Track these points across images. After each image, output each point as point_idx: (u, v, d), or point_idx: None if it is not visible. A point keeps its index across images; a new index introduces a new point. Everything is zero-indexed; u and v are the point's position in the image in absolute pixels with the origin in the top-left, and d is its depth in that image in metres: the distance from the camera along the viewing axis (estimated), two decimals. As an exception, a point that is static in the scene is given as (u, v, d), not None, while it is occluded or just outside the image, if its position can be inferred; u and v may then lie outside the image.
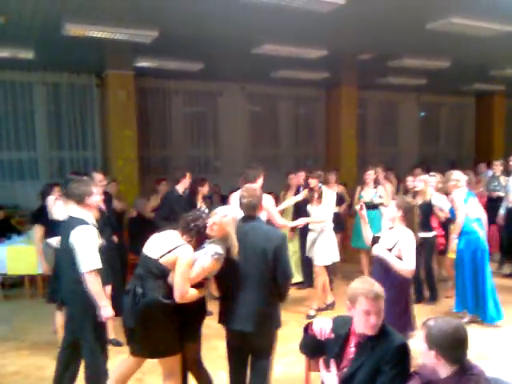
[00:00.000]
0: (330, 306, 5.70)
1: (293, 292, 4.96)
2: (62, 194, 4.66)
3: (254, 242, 3.18)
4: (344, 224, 7.30)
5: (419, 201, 5.82)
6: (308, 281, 6.47)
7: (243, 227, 3.28)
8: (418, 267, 5.98)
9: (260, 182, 4.83)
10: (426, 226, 5.82)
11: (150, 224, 6.05)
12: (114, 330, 4.60)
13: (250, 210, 3.31)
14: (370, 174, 6.77)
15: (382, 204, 6.46)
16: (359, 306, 2.40)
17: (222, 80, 9.63)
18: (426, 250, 5.95)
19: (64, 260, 3.45)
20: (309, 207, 5.64)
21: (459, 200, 5.25)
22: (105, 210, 4.86)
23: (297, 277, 6.40)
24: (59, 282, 3.99)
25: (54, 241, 4.32)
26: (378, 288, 2.44)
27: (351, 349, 2.50)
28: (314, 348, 2.71)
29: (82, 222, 3.33)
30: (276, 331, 3.32)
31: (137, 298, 3.04)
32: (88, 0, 4.87)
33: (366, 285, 2.46)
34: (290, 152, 10.82)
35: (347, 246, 7.31)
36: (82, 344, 3.40)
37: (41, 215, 5.01)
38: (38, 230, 5.01)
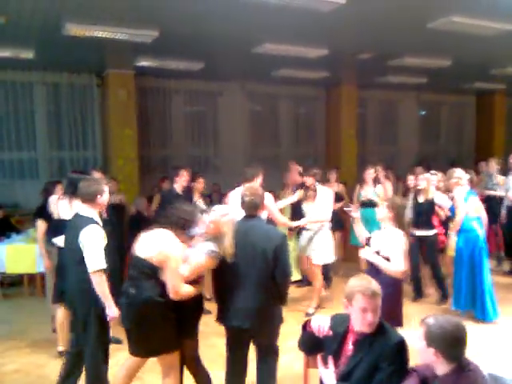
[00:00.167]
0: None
1: (291, 290, 4.96)
2: (64, 192, 4.64)
3: (254, 241, 3.19)
4: (344, 222, 7.30)
5: (421, 199, 5.84)
6: (307, 279, 6.48)
7: (244, 226, 3.29)
8: (417, 266, 6.01)
9: (259, 180, 4.83)
10: (428, 224, 5.87)
11: (150, 223, 6.05)
12: (112, 327, 4.61)
13: (252, 209, 3.32)
14: (370, 173, 6.77)
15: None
16: (356, 303, 2.41)
17: (222, 79, 9.63)
18: (429, 249, 5.97)
19: (70, 259, 3.45)
20: (304, 206, 5.64)
21: (460, 198, 5.27)
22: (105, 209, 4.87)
23: (295, 275, 6.40)
24: (64, 282, 4.01)
25: (60, 240, 4.29)
26: (374, 285, 2.46)
27: (349, 346, 2.51)
28: (312, 345, 2.72)
29: (91, 221, 3.32)
30: (278, 327, 3.33)
31: (130, 299, 3.05)
32: (88, 0, 4.89)
33: (363, 282, 2.47)
34: (290, 151, 10.81)
35: (347, 244, 7.31)
36: (84, 349, 3.40)
37: (43, 212, 5.00)
38: (41, 225, 4.99)
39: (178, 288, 3.02)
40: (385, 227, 3.79)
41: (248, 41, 6.53)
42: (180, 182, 5.81)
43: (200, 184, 6.04)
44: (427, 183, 5.85)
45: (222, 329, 4.90)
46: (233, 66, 8.50)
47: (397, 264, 3.55)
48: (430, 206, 5.84)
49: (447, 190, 6.12)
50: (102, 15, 5.34)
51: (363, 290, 2.41)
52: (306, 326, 2.75)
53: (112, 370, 3.50)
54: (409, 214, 6.01)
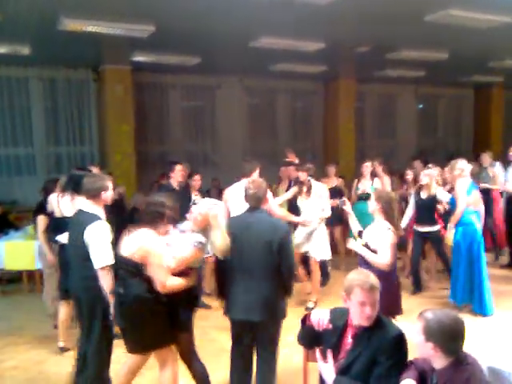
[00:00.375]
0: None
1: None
2: (63, 189, 4.61)
3: (258, 233, 3.21)
4: (343, 217, 7.30)
5: (424, 195, 5.78)
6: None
7: (247, 218, 3.32)
8: (417, 261, 6.01)
9: (255, 175, 4.82)
10: (431, 220, 5.81)
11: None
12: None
13: (255, 202, 3.34)
14: (368, 166, 6.77)
15: None
16: (354, 297, 2.42)
17: (219, 74, 9.59)
18: (436, 244, 5.95)
19: (74, 256, 3.44)
20: (298, 201, 5.62)
21: (462, 190, 5.21)
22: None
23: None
24: (69, 279, 4.00)
25: (63, 238, 4.27)
26: (373, 279, 2.46)
27: (348, 340, 2.52)
28: (311, 339, 2.72)
29: (96, 217, 3.32)
30: (281, 321, 3.35)
31: (121, 298, 3.06)
32: (83, -6, 4.85)
33: (361, 276, 2.48)
34: (288, 145, 10.77)
35: (347, 238, 7.30)
36: (87, 346, 3.41)
37: (43, 209, 4.98)
38: (41, 221, 4.97)
39: (164, 281, 3.02)
40: (376, 220, 3.79)
41: (245, 35, 6.49)
42: (175, 178, 5.80)
43: (196, 181, 6.02)
44: (430, 179, 5.77)
45: (222, 323, 4.91)
46: (230, 61, 8.46)
47: (382, 256, 3.56)
48: (433, 201, 5.79)
49: (444, 184, 6.12)
50: (98, 10, 5.30)
51: (361, 284, 2.41)
52: (305, 320, 2.75)
53: (113, 366, 3.50)
54: (410, 209, 5.98)
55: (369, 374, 2.35)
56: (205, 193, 6.79)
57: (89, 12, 5.31)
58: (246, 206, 3.44)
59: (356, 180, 7.07)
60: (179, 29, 6.10)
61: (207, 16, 5.62)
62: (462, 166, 5.32)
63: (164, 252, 3.09)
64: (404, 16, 5.85)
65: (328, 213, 5.53)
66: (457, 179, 5.28)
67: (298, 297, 5.94)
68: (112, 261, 3.21)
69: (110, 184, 3.52)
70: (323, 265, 6.27)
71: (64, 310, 4.48)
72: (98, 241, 3.22)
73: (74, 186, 4.06)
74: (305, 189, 5.55)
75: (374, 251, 3.61)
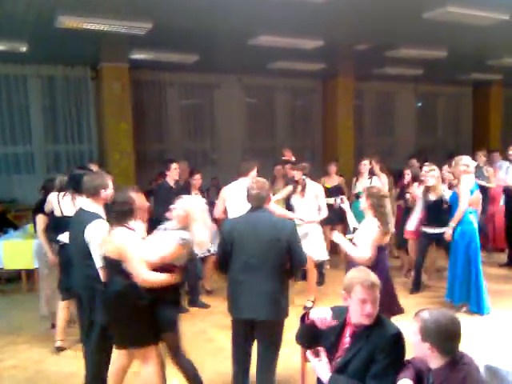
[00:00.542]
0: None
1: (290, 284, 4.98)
2: (60, 188, 4.60)
3: (264, 233, 3.21)
4: (343, 215, 7.30)
5: (432, 197, 5.68)
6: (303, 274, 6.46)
7: (252, 218, 3.32)
8: (421, 261, 5.98)
9: (253, 174, 4.81)
10: (442, 221, 5.58)
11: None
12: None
13: (258, 202, 3.34)
14: (366, 165, 6.76)
15: None
16: (355, 294, 2.41)
17: (218, 72, 9.57)
18: (445, 246, 5.71)
19: (76, 255, 3.44)
20: (292, 200, 5.61)
21: (466, 188, 5.13)
22: None
23: None
24: (71, 278, 4.00)
25: (66, 237, 4.25)
26: (373, 277, 2.45)
27: (346, 339, 2.51)
28: (310, 338, 2.71)
29: (96, 216, 3.32)
30: (284, 320, 3.35)
31: (103, 295, 3.09)
32: (81, -9, 4.83)
33: (362, 274, 2.48)
34: (287, 144, 10.77)
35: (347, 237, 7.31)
36: (87, 344, 3.41)
37: (42, 208, 4.97)
38: (40, 220, 4.96)
39: (143, 274, 3.00)
40: (366, 217, 3.80)
41: (243, 33, 6.48)
42: (172, 176, 5.78)
43: (197, 180, 6.01)
44: (437, 180, 5.65)
45: (220, 323, 4.92)
46: (228, 59, 8.44)
47: (361, 251, 3.59)
48: (441, 202, 5.65)
49: (442, 182, 6.10)
50: (96, 7, 5.28)
51: (362, 281, 2.41)
52: (304, 318, 2.74)
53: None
54: (419, 211, 5.92)
55: (366, 372, 2.34)
56: (204, 192, 6.78)
57: (86, 9, 5.29)
58: (245, 204, 3.44)
59: (355, 178, 7.07)
60: (177, 26, 6.09)
61: (205, 13, 5.60)
62: (467, 162, 5.22)
63: (140, 246, 3.09)
64: (402, 13, 5.84)
65: (324, 214, 5.50)
66: (461, 176, 5.17)
67: (296, 296, 5.95)
68: None
69: (109, 182, 3.51)
70: (319, 265, 6.28)
71: (63, 310, 4.48)
72: (99, 239, 3.21)
73: (75, 186, 4.05)
74: (299, 188, 5.53)
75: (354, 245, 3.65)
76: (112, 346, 3.45)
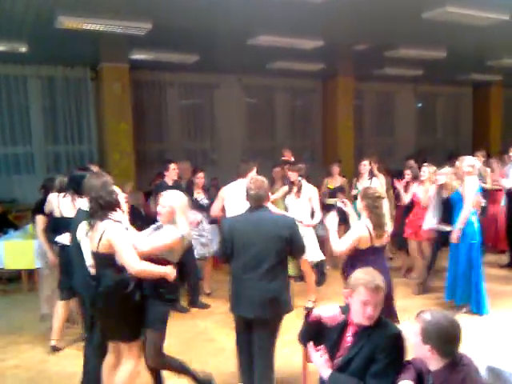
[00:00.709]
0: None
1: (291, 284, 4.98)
2: (60, 189, 4.60)
3: (266, 231, 3.23)
4: (346, 216, 7.29)
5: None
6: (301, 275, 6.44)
7: (251, 216, 3.33)
8: (434, 260, 5.92)
9: (251, 175, 4.82)
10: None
11: (146, 217, 6.05)
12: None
13: (258, 201, 3.35)
14: (365, 165, 6.74)
15: None
16: (358, 295, 2.41)
17: (217, 72, 9.58)
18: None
19: (77, 255, 3.43)
20: (286, 200, 5.61)
21: (471, 189, 5.08)
22: None
23: (295, 271, 6.37)
24: (73, 278, 4.01)
25: (64, 238, 4.26)
26: (378, 280, 2.44)
27: (348, 338, 2.51)
28: (313, 337, 2.70)
29: None
30: (283, 316, 3.36)
31: (92, 290, 3.07)
32: (81, -8, 4.84)
33: (367, 276, 2.46)
34: (287, 144, 10.79)
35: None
36: (87, 342, 3.42)
37: (42, 208, 4.97)
38: (40, 221, 4.94)
39: (135, 265, 2.96)
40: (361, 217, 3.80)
41: (243, 33, 6.49)
42: (170, 176, 5.79)
43: (200, 179, 6.02)
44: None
45: (221, 323, 4.93)
46: (228, 59, 8.46)
47: (339, 243, 3.70)
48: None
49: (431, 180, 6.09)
50: (95, 8, 5.30)
51: (366, 283, 2.40)
52: (308, 317, 2.74)
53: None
54: (432, 210, 5.78)
55: (366, 371, 2.35)
56: (206, 191, 6.78)
57: (86, 10, 5.30)
58: (244, 204, 3.46)
59: (355, 179, 7.07)
60: (177, 26, 6.10)
61: (205, 14, 5.61)
62: (472, 163, 5.18)
63: (128, 236, 3.08)
64: (402, 13, 5.86)
65: (318, 217, 5.48)
66: (465, 176, 5.11)
67: (296, 297, 5.95)
68: None
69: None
70: (320, 265, 6.28)
71: (61, 310, 4.48)
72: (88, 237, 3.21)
73: (75, 187, 4.05)
74: (295, 189, 5.53)
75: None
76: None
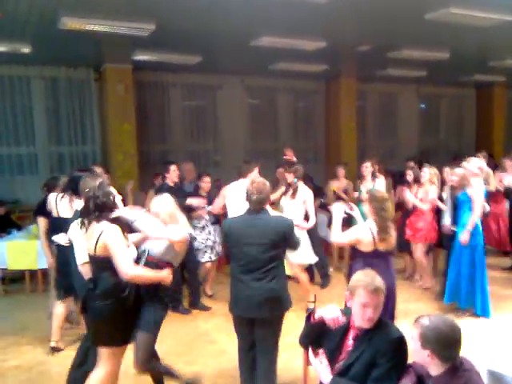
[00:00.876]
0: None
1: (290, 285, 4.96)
2: (64, 189, 4.61)
3: (262, 234, 3.25)
4: (350, 217, 7.26)
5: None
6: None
7: (250, 218, 3.35)
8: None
9: (252, 175, 4.82)
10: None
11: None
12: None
13: (258, 204, 3.37)
14: (368, 167, 6.71)
15: None
16: (358, 298, 2.40)
17: (220, 73, 9.59)
18: None
19: (75, 256, 3.45)
20: (282, 200, 5.60)
21: (479, 191, 5.04)
22: None
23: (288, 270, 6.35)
24: (66, 279, 4.02)
25: (61, 238, 4.28)
26: (378, 282, 2.43)
27: (350, 341, 2.51)
28: (314, 339, 2.70)
29: None
30: (284, 315, 3.37)
31: (88, 293, 3.05)
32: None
33: (367, 278, 2.46)
34: (290, 145, 10.78)
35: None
36: (89, 343, 3.41)
37: (43, 209, 4.97)
38: (42, 223, 4.94)
39: (127, 269, 2.91)
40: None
41: (246, 34, 6.49)
42: (171, 178, 5.80)
43: (205, 183, 6.02)
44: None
45: (222, 325, 4.92)
46: (231, 60, 8.46)
47: (339, 235, 3.78)
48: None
49: (442, 184, 6.06)
50: (98, 9, 5.31)
51: (366, 285, 2.40)
52: (310, 318, 2.73)
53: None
54: (447, 212, 5.74)
55: (367, 375, 2.34)
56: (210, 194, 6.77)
57: (89, 11, 5.31)
58: (245, 204, 3.47)
59: (358, 181, 7.04)
60: (180, 27, 6.10)
61: (208, 15, 5.62)
62: (480, 165, 5.14)
63: (123, 241, 3.01)
64: (404, 14, 5.84)
65: (313, 221, 5.45)
66: (471, 178, 5.07)
67: (295, 299, 5.93)
68: None
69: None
70: (323, 267, 6.28)
71: (60, 310, 4.49)
72: (79, 237, 3.23)
73: (74, 187, 4.06)
74: (291, 191, 5.53)
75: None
76: None
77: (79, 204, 3.56)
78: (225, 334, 4.63)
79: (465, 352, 2.19)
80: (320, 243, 6.61)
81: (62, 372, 4.10)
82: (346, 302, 2.52)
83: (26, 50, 6.69)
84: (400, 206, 6.76)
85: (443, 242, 5.91)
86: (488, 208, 5.52)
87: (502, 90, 12.43)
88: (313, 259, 5.59)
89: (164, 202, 3.38)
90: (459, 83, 11.71)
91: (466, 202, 5.15)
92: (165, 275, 3.13)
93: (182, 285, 5.66)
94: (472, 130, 13.17)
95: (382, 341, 2.36)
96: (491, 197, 6.67)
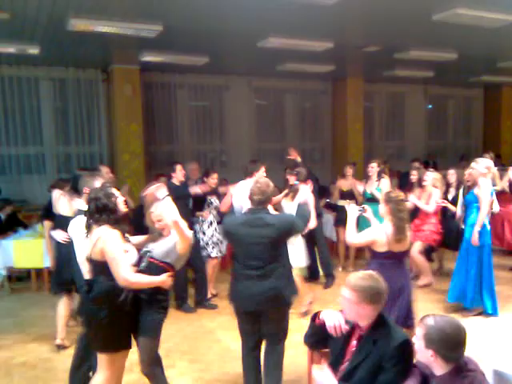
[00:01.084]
0: None
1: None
2: (67, 190, 4.65)
3: (264, 230, 3.26)
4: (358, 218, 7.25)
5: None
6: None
7: (251, 217, 3.36)
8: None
9: (258, 175, 4.84)
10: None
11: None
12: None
13: (260, 205, 3.39)
14: (374, 167, 6.71)
15: None
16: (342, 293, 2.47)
17: (227, 74, 9.61)
18: None
19: (76, 254, 3.48)
20: (283, 202, 5.62)
21: (487, 191, 5.03)
22: None
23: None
24: (61, 275, 4.07)
25: (58, 234, 4.34)
26: (358, 280, 2.43)
27: (354, 342, 2.49)
28: (319, 339, 2.69)
29: None
30: (288, 310, 3.40)
31: (84, 296, 3.03)
32: (92, -6, 4.88)
33: (351, 275, 2.50)
34: (297, 145, 10.78)
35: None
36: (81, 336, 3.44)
37: (50, 211, 5.01)
38: (47, 225, 5.02)
39: (125, 276, 2.86)
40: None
41: (253, 35, 6.49)
42: (177, 177, 5.84)
43: (213, 180, 6.08)
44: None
45: (227, 324, 4.93)
46: (238, 61, 8.47)
47: (354, 235, 3.77)
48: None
49: (447, 186, 6.02)
50: (106, 10, 5.33)
51: (346, 282, 2.46)
52: (315, 318, 2.72)
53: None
54: (459, 210, 5.71)
55: (373, 380, 2.31)
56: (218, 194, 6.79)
57: (97, 12, 5.34)
58: (248, 204, 3.50)
59: (364, 181, 7.03)
60: (187, 29, 6.12)
61: (215, 16, 5.63)
62: (489, 165, 5.12)
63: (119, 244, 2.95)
64: (412, 15, 5.82)
65: (313, 224, 5.40)
66: (479, 178, 5.06)
67: (301, 298, 5.93)
68: None
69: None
70: (328, 267, 6.29)
71: (63, 307, 4.52)
72: (80, 235, 3.22)
73: (74, 186, 4.10)
74: (292, 193, 5.55)
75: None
76: None
77: (79, 203, 3.58)
78: (230, 333, 4.64)
79: (470, 352, 2.17)
80: (325, 243, 6.62)
81: (67, 369, 4.11)
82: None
83: (34, 51, 6.74)
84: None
85: (449, 242, 5.89)
86: (498, 208, 5.49)
87: (510, 90, 12.35)
88: (303, 262, 5.57)
89: (167, 208, 3.34)
90: (467, 84, 11.65)
91: (474, 202, 5.13)
92: (164, 279, 3.08)
93: (187, 283, 5.69)
94: (480, 131, 13.09)
95: (387, 344, 2.32)
96: (498, 196, 6.64)
